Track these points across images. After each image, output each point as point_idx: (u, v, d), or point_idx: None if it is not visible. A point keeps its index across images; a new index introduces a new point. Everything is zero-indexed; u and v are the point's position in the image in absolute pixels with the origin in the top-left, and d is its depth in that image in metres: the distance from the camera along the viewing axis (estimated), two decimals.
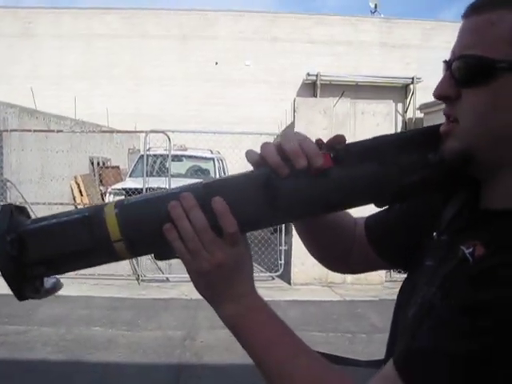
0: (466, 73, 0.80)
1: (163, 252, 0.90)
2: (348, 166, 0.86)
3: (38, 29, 19.09)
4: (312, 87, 19.18)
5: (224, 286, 0.87)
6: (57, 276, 0.94)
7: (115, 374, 5.03)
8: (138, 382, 4.93)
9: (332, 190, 0.86)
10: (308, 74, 18.80)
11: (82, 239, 0.85)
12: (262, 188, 0.85)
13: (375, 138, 0.90)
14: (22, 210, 0.92)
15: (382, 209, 1.06)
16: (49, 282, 0.94)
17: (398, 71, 19.04)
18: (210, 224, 0.84)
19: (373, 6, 21.71)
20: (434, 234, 0.94)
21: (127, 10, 19.93)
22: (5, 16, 19.37)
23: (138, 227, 0.86)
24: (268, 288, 7.69)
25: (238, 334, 0.88)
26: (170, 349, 5.57)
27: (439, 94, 0.84)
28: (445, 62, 0.86)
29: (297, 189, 0.86)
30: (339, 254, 1.18)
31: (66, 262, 0.89)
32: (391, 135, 0.91)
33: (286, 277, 8.42)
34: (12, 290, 0.86)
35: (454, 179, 0.88)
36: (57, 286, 0.96)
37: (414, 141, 0.89)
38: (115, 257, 0.88)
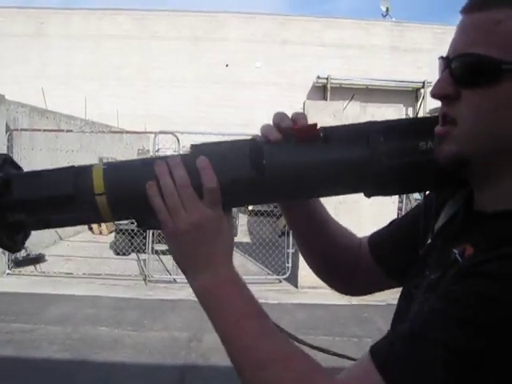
0: (467, 72, 0.77)
1: (144, 219, 0.89)
2: (335, 143, 0.86)
3: (49, 29, 19.18)
4: (322, 90, 19.15)
5: (200, 250, 0.84)
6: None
7: (120, 374, 5.04)
8: (143, 383, 4.93)
9: (317, 164, 0.86)
10: (318, 77, 18.77)
11: (66, 185, 0.85)
12: (247, 151, 0.86)
13: (367, 123, 0.90)
14: (18, 167, 0.94)
15: (384, 226, 1.09)
16: (33, 253, 0.94)
17: (409, 75, 18.98)
18: (193, 184, 0.83)
19: (384, 9, 21.65)
20: (429, 240, 0.93)
21: (138, 12, 19.98)
22: (17, 16, 19.48)
23: (123, 184, 0.87)
24: (275, 291, 7.67)
25: (208, 306, 0.85)
26: (176, 350, 5.57)
27: (438, 93, 0.80)
28: (442, 58, 0.82)
29: (282, 156, 0.86)
30: (341, 273, 1.16)
31: (45, 209, 0.87)
32: (384, 121, 0.90)
33: (293, 280, 8.40)
34: None
35: (448, 177, 0.86)
36: (40, 259, 0.96)
37: (406, 129, 0.88)
38: (96, 213, 0.87)
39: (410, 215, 1.08)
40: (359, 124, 0.90)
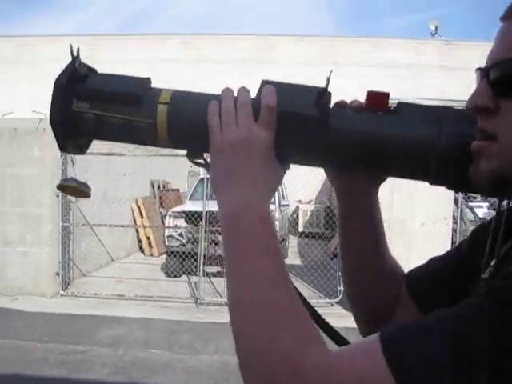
0: (507, 81, 0.69)
1: (197, 147, 0.89)
2: (406, 116, 0.85)
3: (102, 55, 19.69)
4: None
5: (242, 169, 0.78)
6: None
7: None
8: None
9: (383, 131, 0.84)
10: None
11: (137, 86, 0.89)
12: (316, 92, 0.83)
13: (437, 106, 0.89)
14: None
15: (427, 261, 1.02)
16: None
17: (459, 94, 18.58)
18: (253, 108, 0.81)
19: (433, 28, 21.42)
20: (482, 275, 0.83)
21: (189, 36, 20.32)
22: (71, 43, 20.06)
23: (188, 101, 0.88)
24: (327, 314, 7.47)
25: (232, 232, 0.76)
26: (227, 375, 5.48)
27: (475, 105, 0.73)
28: (480, 69, 0.76)
29: (348, 113, 0.86)
30: (381, 301, 1.04)
31: (109, 104, 0.88)
32: (455, 109, 0.88)
33: (345, 303, 8.21)
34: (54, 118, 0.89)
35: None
36: (86, 185, 1.13)
37: (471, 118, 0.80)
38: (153, 128, 0.87)
39: (456, 250, 1.01)
40: (429, 105, 0.89)
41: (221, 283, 8.97)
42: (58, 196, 8.60)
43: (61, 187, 1.19)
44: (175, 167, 16.29)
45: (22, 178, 8.54)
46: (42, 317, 7.41)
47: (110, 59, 19.49)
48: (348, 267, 1.06)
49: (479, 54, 19.10)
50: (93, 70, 0.96)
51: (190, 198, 12.02)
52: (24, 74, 20.12)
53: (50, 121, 0.90)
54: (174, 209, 11.55)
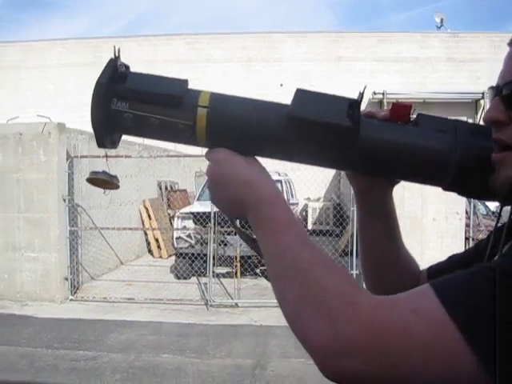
0: None
1: (233, 147, 0.91)
2: (425, 127, 0.92)
3: (106, 57, 19.62)
4: (379, 106, 18.83)
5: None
6: None
7: None
8: None
9: (406, 141, 0.90)
10: (374, 93, 18.48)
11: (175, 88, 0.91)
12: (347, 103, 0.88)
13: (453, 119, 0.94)
14: None
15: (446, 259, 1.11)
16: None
17: (468, 86, 18.46)
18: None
19: (438, 20, 21.26)
20: None
21: (191, 36, 20.25)
22: (75, 47, 20.06)
23: (226, 105, 0.92)
24: None
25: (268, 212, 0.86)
26: (240, 378, 5.40)
27: (489, 118, 0.83)
28: (492, 87, 0.86)
29: (375, 123, 0.92)
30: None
31: (148, 105, 0.90)
32: (467, 122, 0.95)
33: None
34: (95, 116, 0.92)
35: None
36: (115, 178, 1.22)
37: (487, 131, 0.88)
38: (192, 129, 0.90)
39: (474, 249, 1.09)
40: (447, 118, 0.94)
41: (230, 284, 8.89)
42: (64, 200, 8.54)
43: (90, 180, 1.19)
44: (182, 168, 16.25)
45: (28, 183, 8.49)
46: (51, 322, 7.35)
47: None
48: (368, 264, 1.16)
49: (486, 44, 19.01)
50: (129, 69, 0.99)
51: (197, 199, 11.93)
52: (29, 78, 20.12)
53: (91, 119, 0.92)
54: (182, 210, 11.48)
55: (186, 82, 0.93)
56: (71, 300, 8.56)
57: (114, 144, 1.00)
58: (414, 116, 0.95)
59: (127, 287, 9.43)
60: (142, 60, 19.38)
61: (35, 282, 8.49)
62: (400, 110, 0.92)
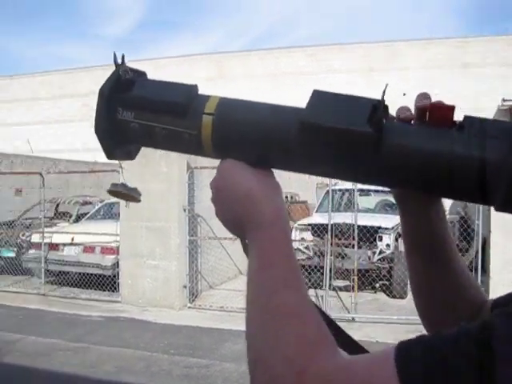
0: None
1: (241, 159, 0.82)
2: (472, 134, 0.73)
3: (230, 71, 20.16)
4: (509, 113, 17.76)
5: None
6: None
7: None
8: None
9: (444, 150, 0.73)
10: (503, 100, 17.46)
11: (182, 95, 0.85)
12: (370, 105, 0.75)
13: (507, 122, 0.76)
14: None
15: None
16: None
17: None
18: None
19: None
20: None
21: (312, 47, 20.29)
22: (200, 61, 20.81)
23: (234, 111, 0.84)
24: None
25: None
26: None
27: None
28: None
29: (404, 128, 0.78)
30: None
31: (154, 114, 0.85)
32: None
33: None
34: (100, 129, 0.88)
35: None
36: (135, 191, 1.15)
37: None
38: (197, 138, 0.84)
39: None
40: (501, 121, 0.77)
41: (348, 298, 8.69)
42: (185, 210, 8.79)
43: (112, 192, 1.15)
44: (303, 179, 16.24)
45: (151, 193, 8.82)
46: (169, 328, 7.56)
47: (238, 75, 19.98)
48: (421, 290, 0.98)
49: None
50: (142, 75, 0.93)
51: (317, 211, 11.85)
52: None
53: (95, 129, 0.88)
54: (301, 221, 11.43)
55: (195, 87, 0.88)
56: (189, 307, 8.77)
57: (129, 155, 0.95)
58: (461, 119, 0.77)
59: (244, 297, 9.50)
60: (264, 73, 19.73)
61: (156, 289, 8.80)
62: (441, 111, 0.77)
